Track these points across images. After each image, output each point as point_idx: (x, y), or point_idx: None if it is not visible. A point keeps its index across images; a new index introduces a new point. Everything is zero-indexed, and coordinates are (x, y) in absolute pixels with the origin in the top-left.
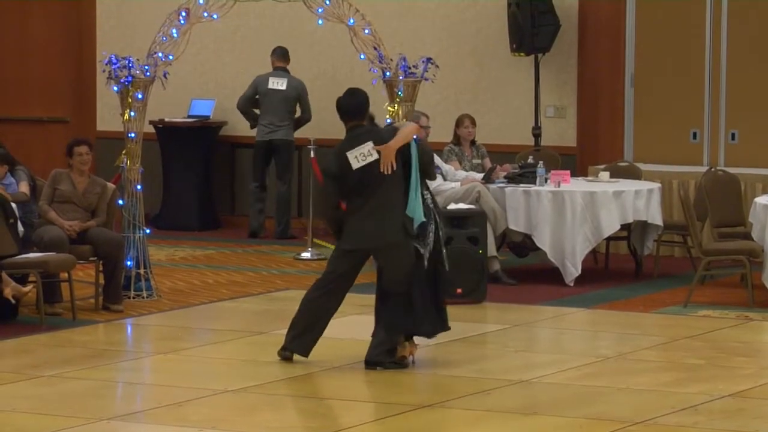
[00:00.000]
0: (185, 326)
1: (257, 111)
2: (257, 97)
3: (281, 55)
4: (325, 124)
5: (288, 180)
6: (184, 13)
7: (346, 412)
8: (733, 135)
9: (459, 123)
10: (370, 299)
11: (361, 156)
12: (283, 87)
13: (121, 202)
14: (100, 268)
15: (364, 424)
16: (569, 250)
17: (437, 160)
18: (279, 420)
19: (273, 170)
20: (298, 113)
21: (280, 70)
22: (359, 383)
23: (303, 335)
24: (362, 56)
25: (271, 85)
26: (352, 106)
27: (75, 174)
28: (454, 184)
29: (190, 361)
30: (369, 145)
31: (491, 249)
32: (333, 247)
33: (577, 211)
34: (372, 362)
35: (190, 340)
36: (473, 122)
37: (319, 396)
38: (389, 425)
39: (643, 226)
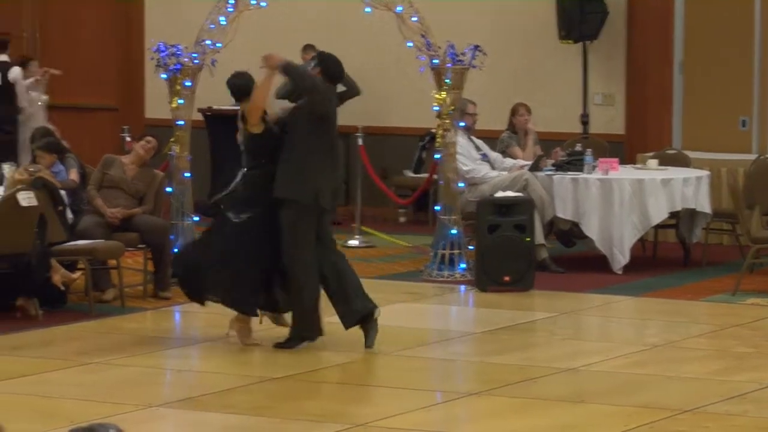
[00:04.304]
0: (232, 314)
1: None
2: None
3: (309, 47)
4: (373, 111)
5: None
6: (232, 1)
7: (391, 400)
8: None
9: (514, 111)
10: (416, 287)
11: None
12: None
13: (169, 189)
14: (149, 256)
15: (410, 412)
16: (617, 238)
17: (484, 147)
18: (324, 407)
19: None
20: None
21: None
22: (404, 371)
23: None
24: (410, 44)
25: None
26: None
27: (128, 159)
28: (501, 171)
29: (237, 349)
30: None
31: (539, 237)
32: (382, 235)
33: (625, 199)
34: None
35: None
36: (528, 110)
37: (364, 383)
38: (435, 413)
39: (692, 214)
